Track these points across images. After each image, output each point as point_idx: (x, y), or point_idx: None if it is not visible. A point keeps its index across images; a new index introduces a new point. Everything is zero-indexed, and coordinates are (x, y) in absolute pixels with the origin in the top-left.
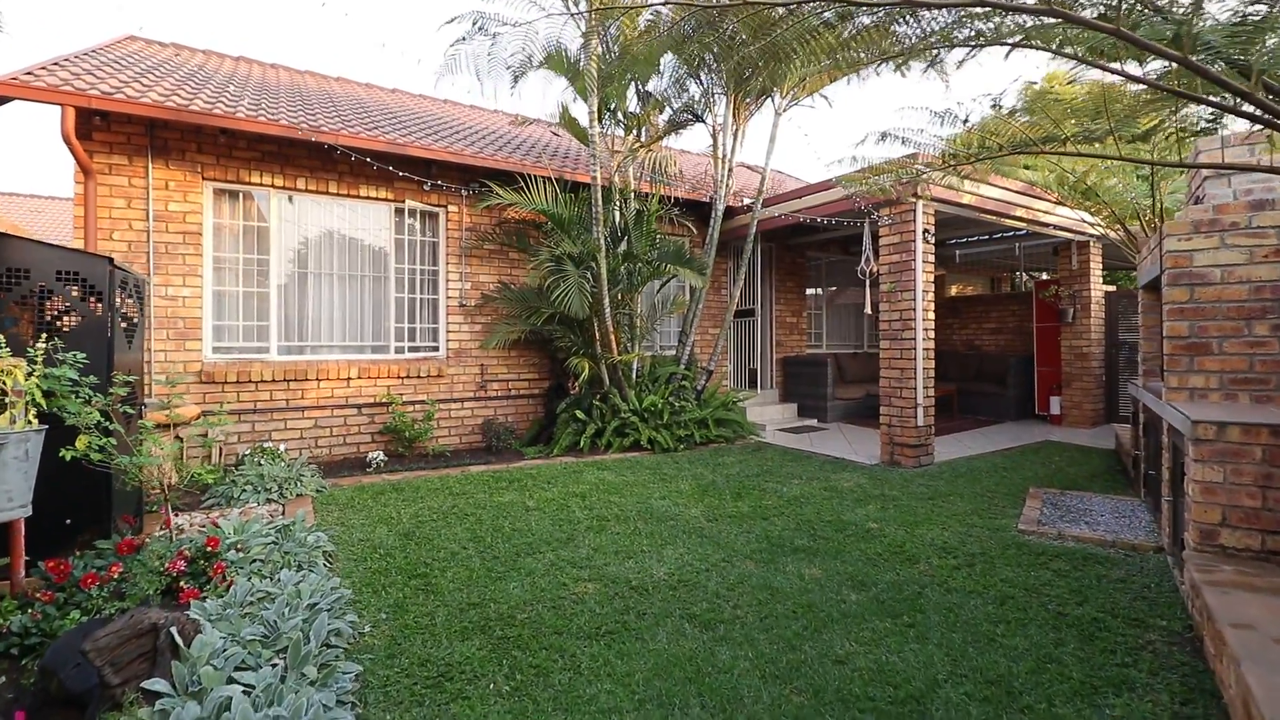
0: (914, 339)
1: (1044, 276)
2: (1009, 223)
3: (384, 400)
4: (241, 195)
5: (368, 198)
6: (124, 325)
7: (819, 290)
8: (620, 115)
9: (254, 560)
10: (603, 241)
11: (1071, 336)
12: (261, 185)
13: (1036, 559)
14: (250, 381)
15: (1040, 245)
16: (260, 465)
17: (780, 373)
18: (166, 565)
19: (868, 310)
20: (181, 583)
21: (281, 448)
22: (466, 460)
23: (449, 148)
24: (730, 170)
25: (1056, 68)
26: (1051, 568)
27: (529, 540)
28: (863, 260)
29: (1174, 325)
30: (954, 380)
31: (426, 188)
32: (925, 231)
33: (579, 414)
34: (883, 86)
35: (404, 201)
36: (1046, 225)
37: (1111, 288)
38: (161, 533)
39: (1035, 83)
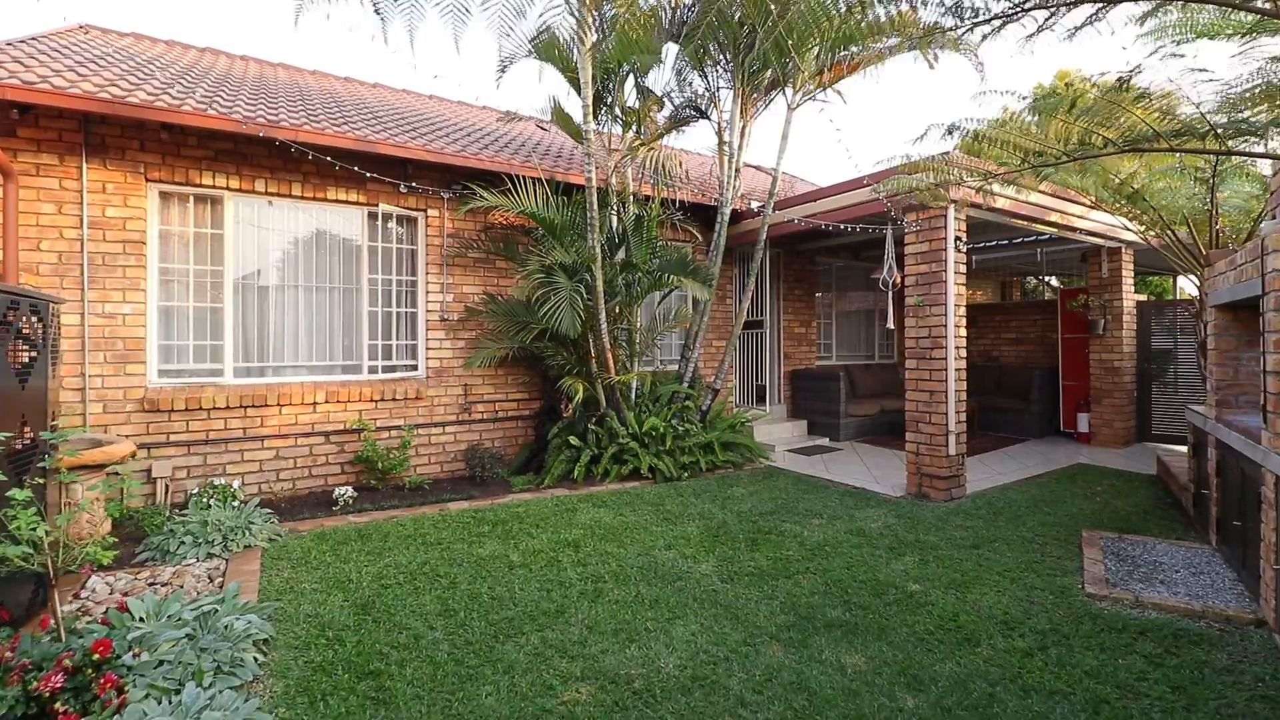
0: (944, 359)
1: (1070, 284)
2: (1039, 228)
3: (355, 427)
4: (193, 199)
5: (337, 201)
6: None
7: (828, 297)
8: (618, 110)
9: (161, 663)
10: (599, 249)
11: (1102, 349)
12: (215, 188)
13: (1118, 638)
14: (201, 409)
15: (1065, 251)
16: (209, 507)
17: (788, 387)
18: (37, 683)
19: (890, 325)
20: (58, 704)
21: (235, 485)
22: (447, 493)
23: (427, 145)
24: (737, 171)
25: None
26: (1140, 650)
27: (511, 614)
28: (885, 270)
29: None
30: (972, 394)
31: (402, 190)
32: (957, 239)
33: (573, 440)
34: (900, 86)
35: (378, 205)
36: (1077, 230)
37: (1142, 297)
38: (52, 630)
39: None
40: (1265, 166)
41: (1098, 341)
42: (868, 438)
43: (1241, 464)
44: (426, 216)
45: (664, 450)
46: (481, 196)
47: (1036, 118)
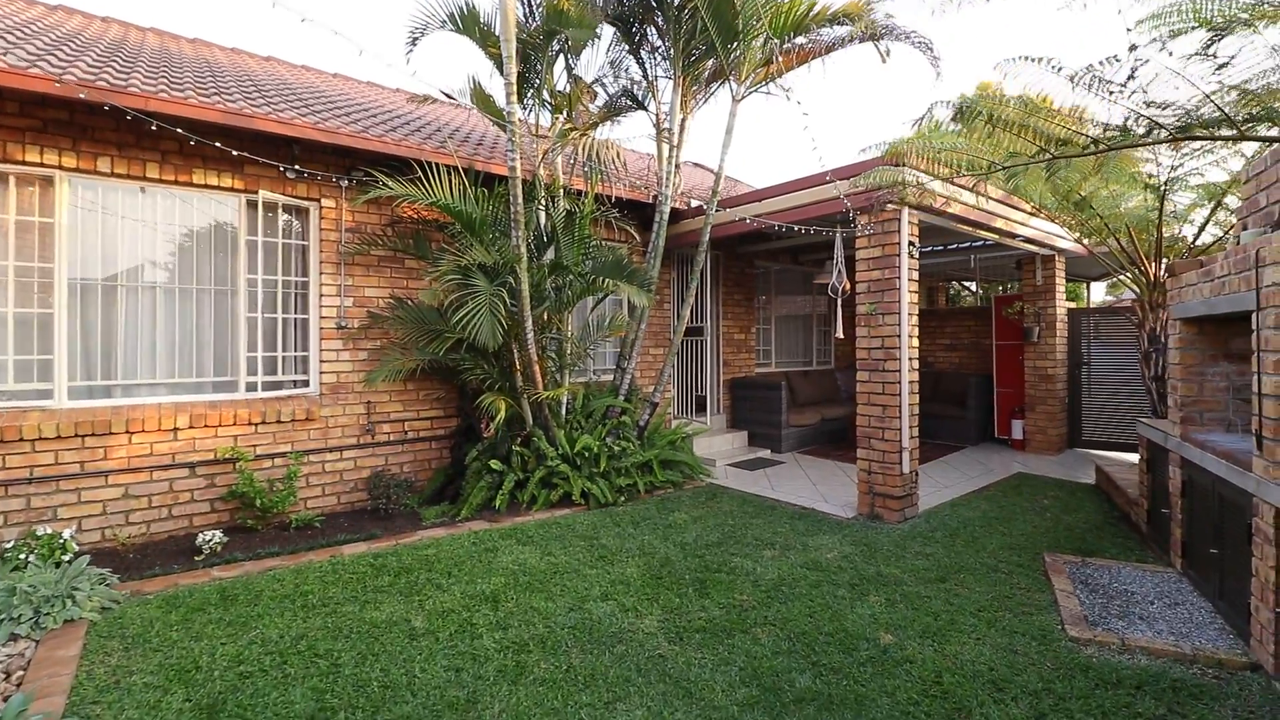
0: (899, 371)
1: (990, 290)
2: (984, 234)
3: (229, 456)
4: (12, 179)
5: (207, 186)
6: None
7: (768, 302)
8: (547, 95)
9: None
10: (524, 249)
11: (1036, 356)
12: (44, 165)
13: (1117, 695)
14: (23, 439)
15: (999, 257)
16: (24, 566)
17: (728, 396)
18: None
19: (839, 334)
20: None
21: (68, 533)
22: (343, 531)
23: (318, 124)
24: (677, 167)
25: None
26: (1144, 712)
27: (407, 710)
28: (834, 275)
29: None
30: None
31: (289, 175)
32: (911, 244)
33: (494, 464)
34: (852, 78)
35: (258, 192)
36: (1017, 237)
37: (1073, 304)
38: None
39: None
40: (1214, 174)
41: (1032, 348)
42: (809, 448)
43: (1220, 489)
44: (320, 207)
45: (598, 472)
46: (384, 185)
47: (959, 127)
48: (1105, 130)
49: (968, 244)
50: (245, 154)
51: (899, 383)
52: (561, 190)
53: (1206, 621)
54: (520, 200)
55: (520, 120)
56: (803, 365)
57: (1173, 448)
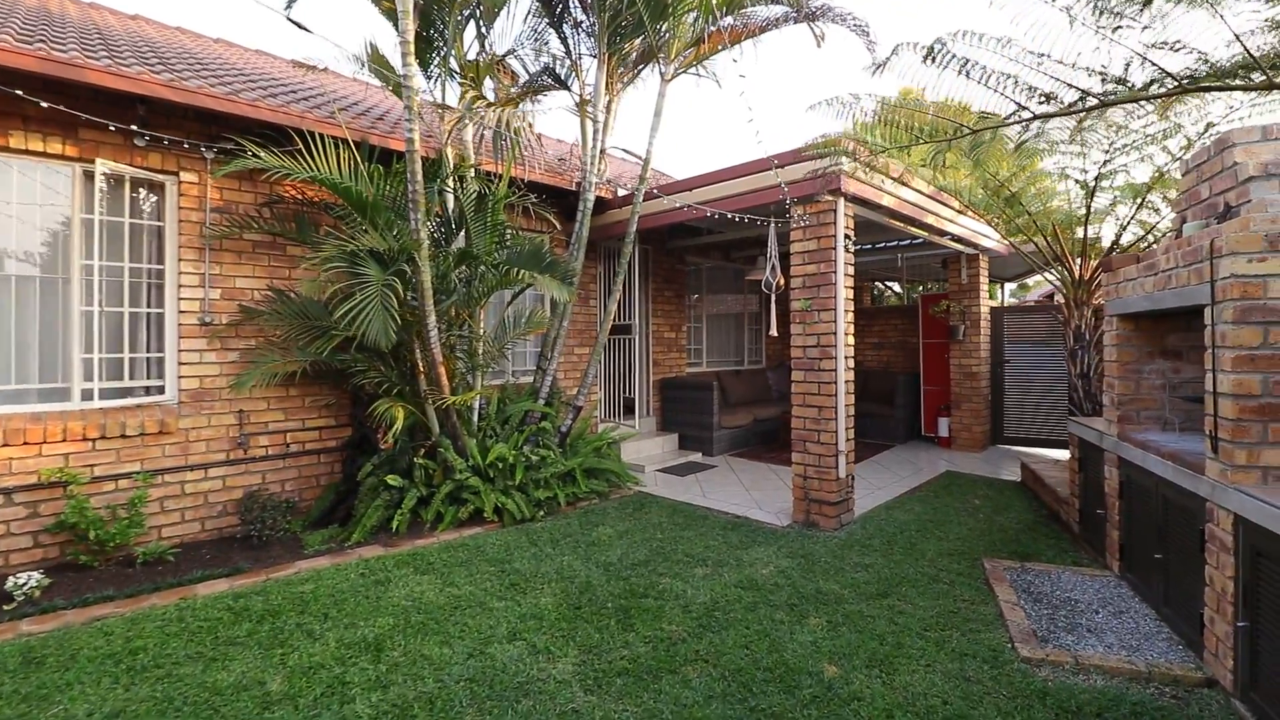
0: (834, 370)
1: (912, 290)
2: (914, 230)
3: (58, 479)
4: None
5: (30, 152)
6: None
7: (698, 299)
8: (455, 64)
9: None
10: (424, 233)
11: (961, 355)
12: None
13: None
14: None
15: (925, 256)
16: None
17: (658, 398)
18: None
19: (773, 332)
20: None
21: None
22: (203, 565)
23: (172, 81)
24: (603, 152)
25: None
26: None
27: None
28: (767, 270)
29: (1242, 379)
30: None
31: (140, 143)
32: (846, 237)
33: (392, 479)
34: (790, 63)
35: (95, 161)
36: (945, 234)
37: (995, 302)
38: None
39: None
40: (1140, 171)
41: (957, 347)
42: (741, 450)
43: (1164, 491)
44: (180, 182)
45: (513, 485)
46: (255, 156)
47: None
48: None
49: (895, 243)
50: (81, 115)
51: (835, 382)
52: (472, 170)
53: (1154, 631)
54: (419, 178)
55: (420, 88)
56: (734, 365)
57: (1109, 447)
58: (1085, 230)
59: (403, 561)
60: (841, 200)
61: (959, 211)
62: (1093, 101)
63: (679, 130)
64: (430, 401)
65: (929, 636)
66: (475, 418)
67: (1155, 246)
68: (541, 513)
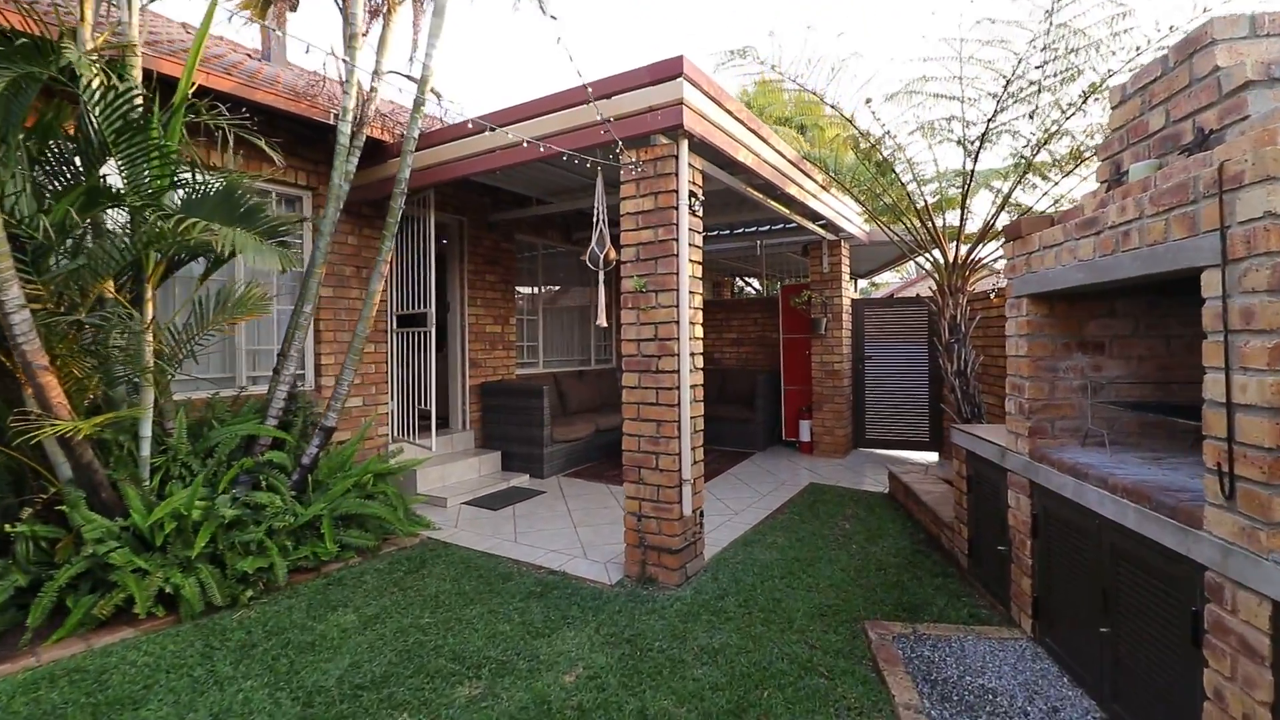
0: (677, 372)
1: (771, 287)
2: (774, 206)
3: None
4: None
5: None
6: None
7: (533, 286)
8: None
9: None
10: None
11: (823, 350)
12: None
13: None
14: None
15: (784, 244)
16: None
17: (477, 407)
18: None
19: (601, 320)
20: None
21: None
22: None
23: None
24: (378, 75)
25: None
26: None
27: None
28: (594, 238)
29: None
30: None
31: None
32: (692, 196)
33: None
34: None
35: None
36: (807, 212)
37: (856, 294)
38: None
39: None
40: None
41: (819, 342)
42: (580, 469)
43: (1116, 539)
44: None
45: (202, 554)
46: None
47: None
48: None
49: (754, 228)
50: None
51: (678, 388)
52: (139, 73)
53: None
54: None
55: None
56: (579, 364)
57: (1015, 469)
58: (964, 204)
59: None
60: (685, 145)
61: (823, 187)
62: None
63: (495, 70)
64: (50, 428)
65: None
66: (145, 451)
67: (1079, 204)
68: (250, 593)
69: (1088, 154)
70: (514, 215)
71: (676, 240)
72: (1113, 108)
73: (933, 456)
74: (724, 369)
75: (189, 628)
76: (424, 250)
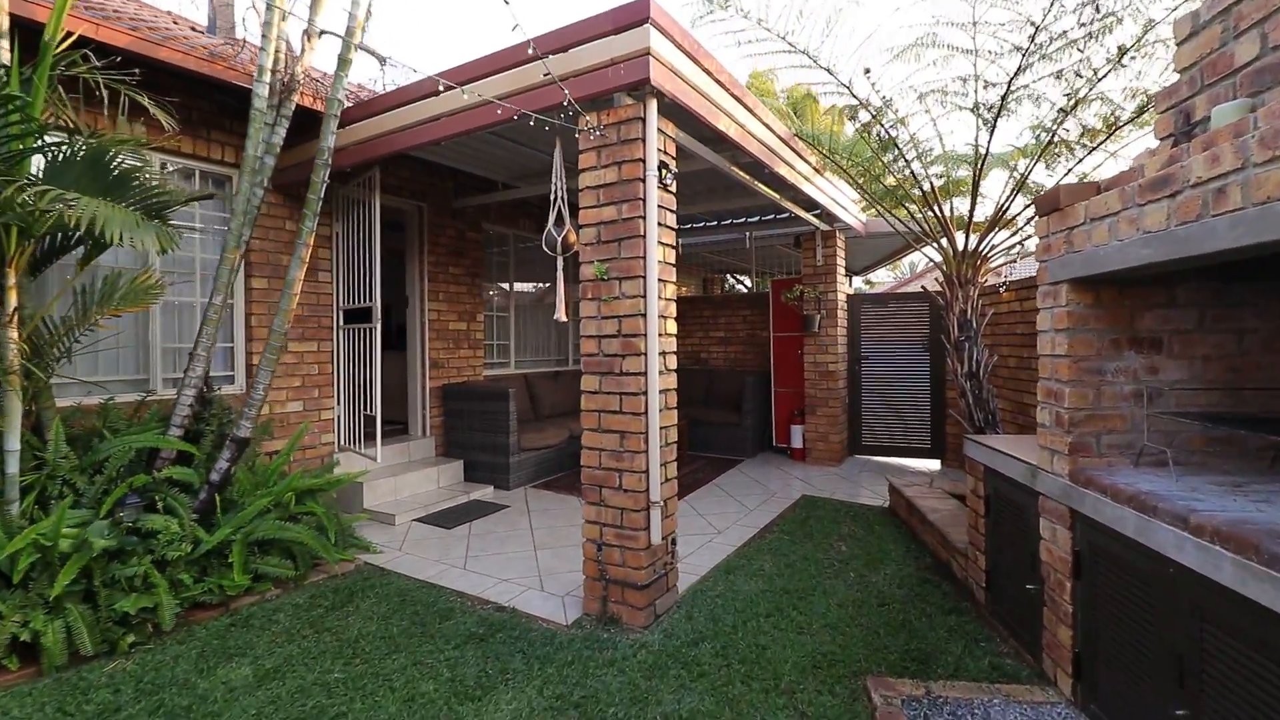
0: (644, 374)
1: (762, 284)
2: (762, 189)
3: None
4: None
5: None
6: None
7: (505, 280)
8: None
9: None
10: None
11: (817, 350)
12: None
13: None
14: None
15: (775, 236)
16: None
17: (439, 411)
18: None
19: (560, 315)
20: None
21: None
22: None
23: None
24: (310, 36)
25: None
26: None
27: None
28: (552, 218)
29: None
30: (679, 404)
31: None
32: (663, 167)
33: None
34: None
35: None
36: (800, 199)
37: (851, 290)
38: None
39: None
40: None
41: (813, 341)
42: (551, 480)
43: (1193, 595)
44: None
45: (73, 591)
46: None
47: None
48: None
49: (743, 218)
50: None
51: (645, 392)
52: (5, 18)
53: None
54: None
55: None
56: (555, 365)
57: (1052, 493)
58: (978, 175)
59: None
60: (653, 105)
61: (817, 170)
62: None
63: (454, 37)
64: None
65: None
66: (15, 467)
67: (1134, 167)
68: (132, 639)
69: (1124, 122)
70: (479, 201)
71: (643, 218)
72: (1179, 44)
73: (934, 464)
74: (711, 369)
75: (48, 683)
76: (369, 238)
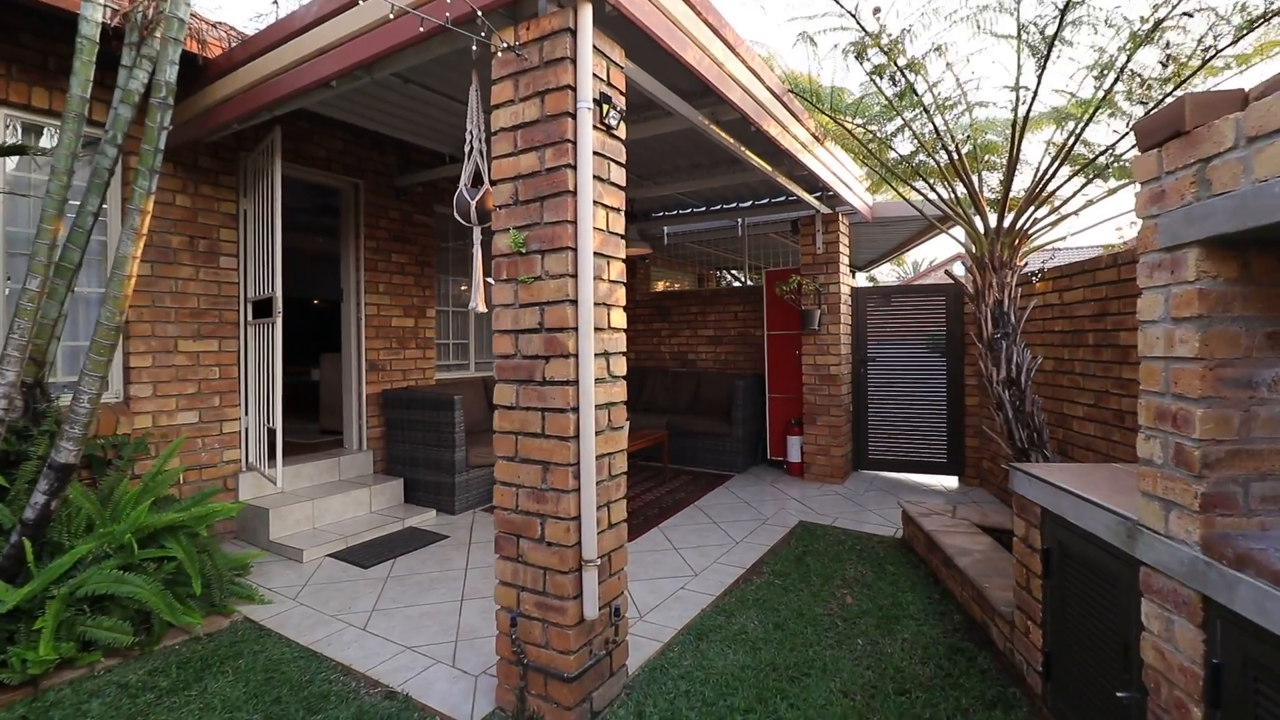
0: (575, 382)
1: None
2: (756, 161)
3: None
4: None
5: None
6: None
7: (467, 276)
8: None
9: None
10: None
11: (817, 350)
12: None
13: None
14: None
15: (770, 222)
16: None
17: (378, 421)
18: None
19: (478, 304)
20: None
21: None
22: None
23: None
24: None
25: None
26: None
27: None
28: (465, 176)
29: None
30: (662, 412)
31: None
32: (604, 101)
33: None
34: None
35: None
36: (796, 174)
37: (855, 283)
38: None
39: None
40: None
41: (812, 340)
42: None
43: None
44: None
45: None
46: None
47: None
48: None
49: (734, 204)
50: None
51: (575, 409)
52: None
53: None
54: None
55: None
56: None
57: (1170, 568)
58: (1020, 124)
59: None
60: (587, 11)
61: (816, 139)
62: None
63: None
64: None
65: None
66: None
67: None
68: None
69: (1237, 38)
70: (426, 178)
71: (573, 167)
72: None
73: (951, 481)
74: (699, 372)
75: None
76: (271, 215)
